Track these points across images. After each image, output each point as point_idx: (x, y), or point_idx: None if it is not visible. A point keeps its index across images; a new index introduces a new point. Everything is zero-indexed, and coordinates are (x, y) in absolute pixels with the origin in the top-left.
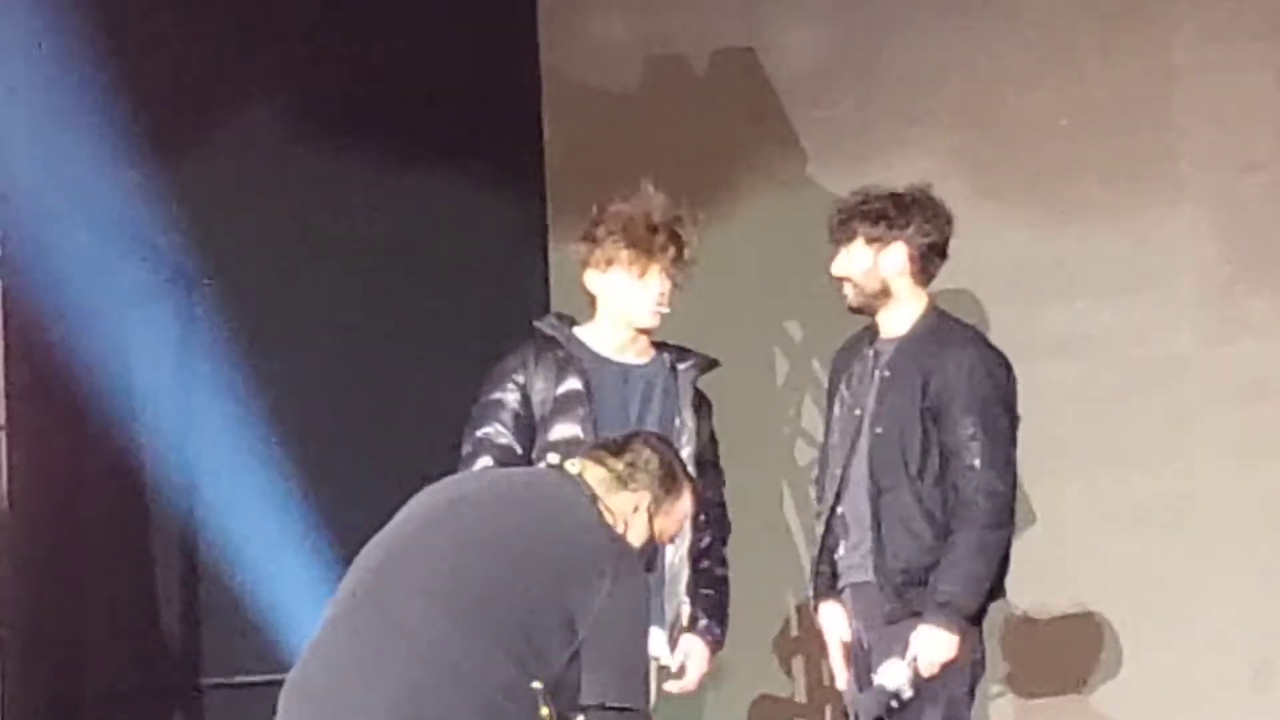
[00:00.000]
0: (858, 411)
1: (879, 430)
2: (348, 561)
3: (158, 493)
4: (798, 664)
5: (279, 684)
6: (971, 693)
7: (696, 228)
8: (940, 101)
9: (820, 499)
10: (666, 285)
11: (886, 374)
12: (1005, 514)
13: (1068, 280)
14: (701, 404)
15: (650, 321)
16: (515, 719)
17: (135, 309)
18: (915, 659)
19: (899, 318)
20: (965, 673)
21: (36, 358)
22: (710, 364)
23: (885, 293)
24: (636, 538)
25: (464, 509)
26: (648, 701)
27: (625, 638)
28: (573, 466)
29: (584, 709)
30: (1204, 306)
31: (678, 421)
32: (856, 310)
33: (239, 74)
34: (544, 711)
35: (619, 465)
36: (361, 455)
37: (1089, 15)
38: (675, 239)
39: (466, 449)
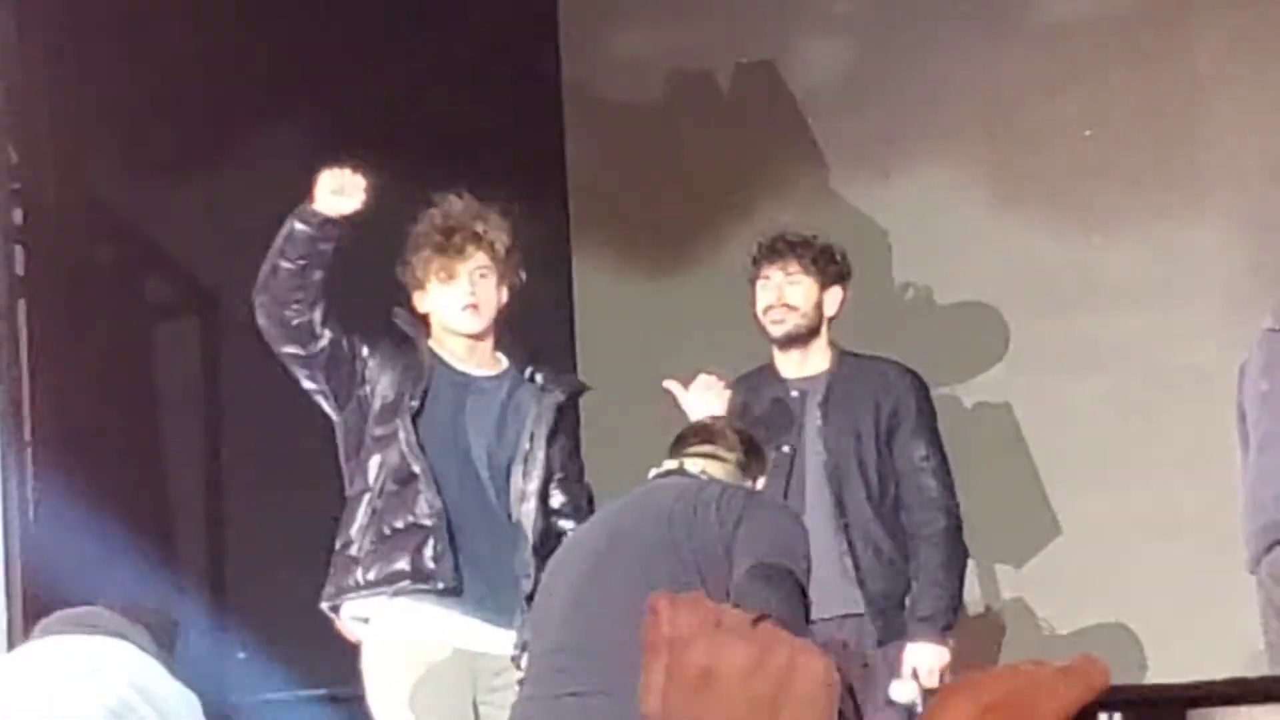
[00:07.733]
0: (785, 449)
1: (835, 465)
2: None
3: (183, 505)
4: None
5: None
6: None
7: (505, 223)
8: (964, 112)
9: None
10: (484, 286)
11: (822, 410)
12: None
13: (1092, 290)
14: (559, 429)
15: (465, 325)
16: None
17: (160, 325)
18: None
19: (813, 356)
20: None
21: (61, 376)
22: (580, 389)
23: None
24: None
25: (624, 523)
26: (801, 567)
27: (771, 527)
28: (693, 466)
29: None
30: (1230, 315)
31: (526, 447)
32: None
33: (266, 93)
34: None
35: (738, 456)
36: None
37: (1113, 24)
38: (475, 238)
39: None
